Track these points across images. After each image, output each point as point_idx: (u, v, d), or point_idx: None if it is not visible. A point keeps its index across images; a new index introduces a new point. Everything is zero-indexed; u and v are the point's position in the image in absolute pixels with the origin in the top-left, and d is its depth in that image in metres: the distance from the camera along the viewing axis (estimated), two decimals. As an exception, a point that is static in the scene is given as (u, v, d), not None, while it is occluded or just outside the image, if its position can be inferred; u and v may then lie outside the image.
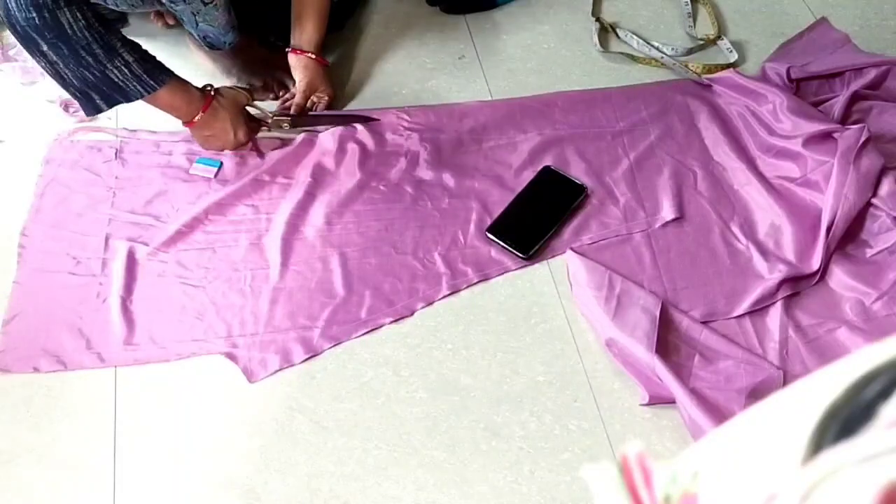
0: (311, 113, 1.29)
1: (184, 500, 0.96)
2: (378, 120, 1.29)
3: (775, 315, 1.10)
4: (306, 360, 1.06)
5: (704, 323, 1.09)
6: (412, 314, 1.11)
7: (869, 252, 1.15)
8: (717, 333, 1.07)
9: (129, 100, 1.11)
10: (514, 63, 1.39)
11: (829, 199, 1.15)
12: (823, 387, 0.27)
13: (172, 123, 1.23)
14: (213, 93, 1.19)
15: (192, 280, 1.13)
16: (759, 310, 1.10)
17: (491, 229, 1.18)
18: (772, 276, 1.12)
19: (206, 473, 0.97)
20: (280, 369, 1.05)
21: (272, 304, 1.11)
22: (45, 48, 1.01)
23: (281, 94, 1.34)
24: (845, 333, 1.08)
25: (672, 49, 1.40)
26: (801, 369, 1.05)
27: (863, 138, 1.17)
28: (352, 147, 1.26)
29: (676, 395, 1.00)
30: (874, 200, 1.16)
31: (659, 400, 1.03)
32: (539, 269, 1.15)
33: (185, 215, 1.18)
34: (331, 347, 1.07)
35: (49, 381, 1.03)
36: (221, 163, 1.24)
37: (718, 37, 1.42)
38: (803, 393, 0.28)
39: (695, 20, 1.46)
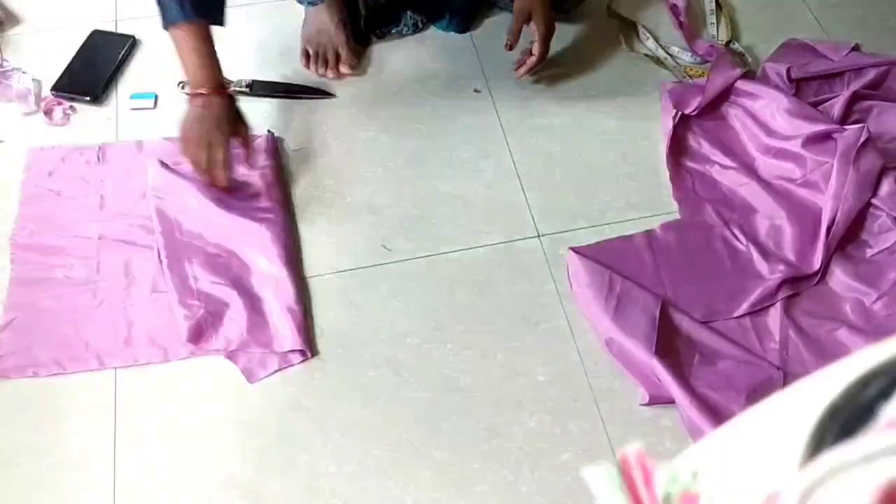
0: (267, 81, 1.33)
1: (184, 500, 0.96)
2: (333, 96, 1.32)
3: (775, 315, 1.10)
4: (306, 360, 1.06)
5: (704, 323, 1.09)
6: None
7: (869, 252, 1.15)
8: (717, 333, 1.07)
9: (164, 21, 1.06)
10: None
11: (829, 199, 1.15)
12: (823, 387, 0.27)
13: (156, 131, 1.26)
14: (208, 91, 1.09)
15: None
16: (759, 310, 1.11)
17: (54, 87, 1.29)
18: (772, 276, 1.12)
19: (206, 473, 0.97)
20: (280, 369, 1.05)
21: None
22: None
23: (320, 72, 1.35)
24: (845, 333, 1.08)
25: (690, 56, 1.40)
26: (801, 369, 1.05)
27: (863, 138, 1.17)
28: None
29: (676, 395, 1.00)
30: (874, 200, 1.16)
31: (659, 400, 1.03)
32: (539, 269, 1.15)
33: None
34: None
35: (49, 382, 1.03)
36: (157, 95, 1.30)
37: (731, 41, 1.42)
38: (803, 393, 0.28)
39: (718, 22, 1.45)
